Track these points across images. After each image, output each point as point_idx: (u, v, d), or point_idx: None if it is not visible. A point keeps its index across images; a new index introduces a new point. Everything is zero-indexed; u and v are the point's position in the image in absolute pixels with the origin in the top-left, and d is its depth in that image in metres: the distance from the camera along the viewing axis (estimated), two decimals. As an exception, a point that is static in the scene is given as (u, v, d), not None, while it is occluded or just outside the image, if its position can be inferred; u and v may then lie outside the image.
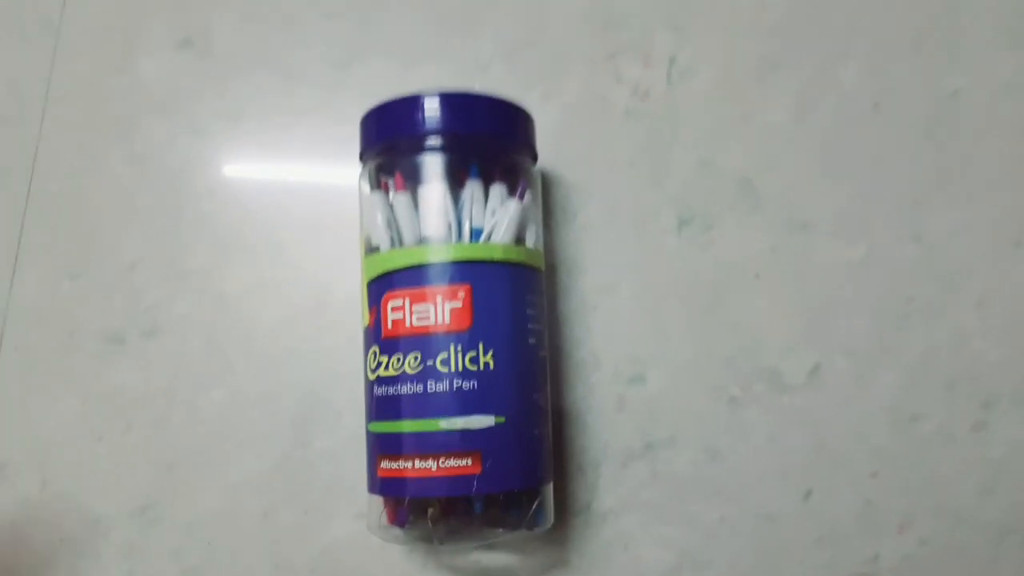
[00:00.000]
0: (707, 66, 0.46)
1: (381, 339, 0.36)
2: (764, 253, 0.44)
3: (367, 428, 0.37)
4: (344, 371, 0.44)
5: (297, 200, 0.47)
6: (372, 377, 0.37)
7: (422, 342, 0.35)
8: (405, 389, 0.35)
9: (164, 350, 0.46)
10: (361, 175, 0.40)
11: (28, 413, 0.46)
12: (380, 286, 0.36)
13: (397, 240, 0.37)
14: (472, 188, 0.37)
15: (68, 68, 0.50)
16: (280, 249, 0.47)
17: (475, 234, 0.37)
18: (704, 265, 0.44)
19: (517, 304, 0.36)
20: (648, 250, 0.44)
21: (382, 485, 0.36)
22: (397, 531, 0.37)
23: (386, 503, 0.37)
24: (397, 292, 0.36)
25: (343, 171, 0.47)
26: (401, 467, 0.35)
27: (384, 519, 0.37)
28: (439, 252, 0.36)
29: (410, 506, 0.36)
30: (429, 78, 0.47)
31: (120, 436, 0.45)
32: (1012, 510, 0.41)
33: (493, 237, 0.37)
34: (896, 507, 0.41)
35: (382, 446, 0.36)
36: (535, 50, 0.47)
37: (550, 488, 0.38)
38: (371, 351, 0.37)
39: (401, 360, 0.35)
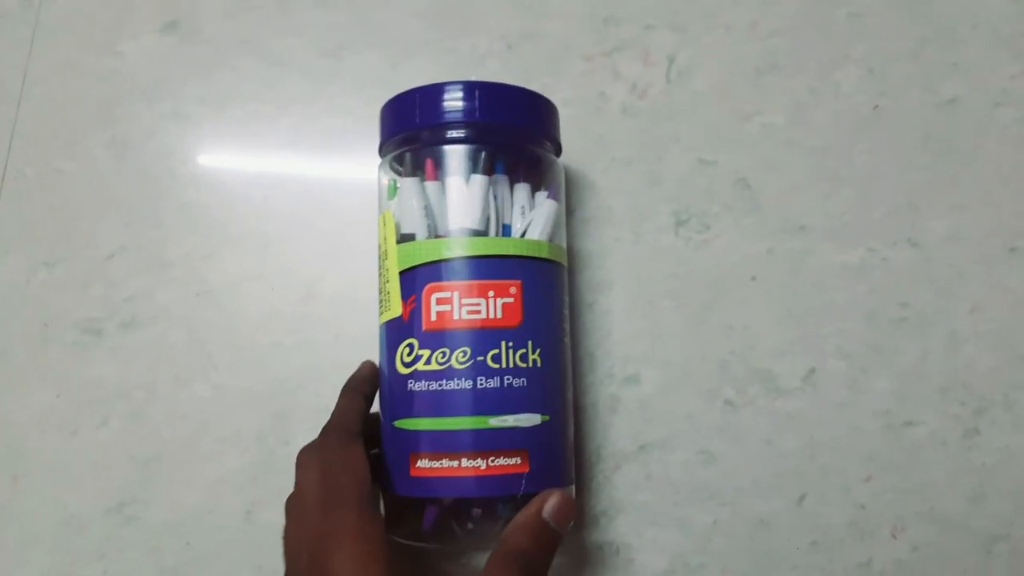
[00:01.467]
0: (706, 66, 0.46)
1: (423, 332, 0.34)
2: (761, 255, 0.43)
3: (391, 425, 0.35)
4: (330, 366, 0.43)
5: (284, 191, 0.46)
6: (406, 371, 0.34)
7: (472, 337, 0.34)
8: (452, 384, 0.34)
9: (143, 342, 0.45)
10: (380, 166, 0.39)
11: (0, 406, 0.44)
12: (421, 276, 0.35)
13: (433, 229, 0.36)
14: (501, 183, 0.36)
15: (47, 48, 0.48)
16: (265, 241, 0.46)
17: (505, 230, 0.36)
18: (700, 266, 0.43)
19: (558, 302, 0.36)
20: (644, 249, 0.44)
21: (418, 486, 0.34)
22: (425, 534, 0.35)
23: (408, 504, 0.35)
24: (445, 284, 0.34)
25: (332, 163, 0.46)
26: (445, 466, 0.33)
27: (413, 521, 0.35)
28: (491, 246, 0.35)
29: (450, 507, 0.35)
30: (423, 71, 0.47)
31: (96, 430, 0.44)
32: (1002, 517, 0.41)
33: (529, 234, 0.36)
34: (889, 512, 0.41)
35: (420, 444, 0.34)
36: (533, 44, 0.47)
37: (572, 489, 0.37)
38: (406, 344, 0.35)
39: (447, 355, 0.34)
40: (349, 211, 0.45)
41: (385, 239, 0.36)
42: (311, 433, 0.43)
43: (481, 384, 0.33)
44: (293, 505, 0.33)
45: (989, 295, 0.43)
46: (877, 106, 0.45)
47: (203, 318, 0.45)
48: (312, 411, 0.43)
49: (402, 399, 0.35)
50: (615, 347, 0.43)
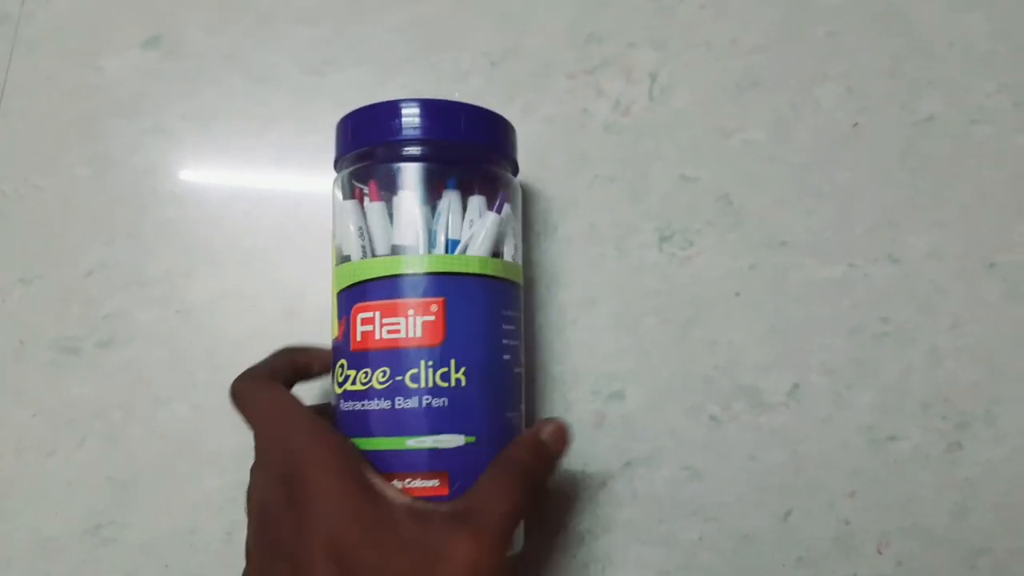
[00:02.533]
0: (688, 83, 0.46)
1: (350, 352, 0.34)
2: (744, 271, 0.44)
3: None
4: (311, 384, 0.43)
5: (266, 208, 0.46)
6: (338, 391, 0.34)
7: (391, 356, 0.33)
8: (373, 405, 0.33)
9: (121, 361, 0.44)
10: (335, 182, 0.38)
11: (-27, 426, 0.43)
12: (350, 297, 0.34)
13: (369, 250, 0.35)
14: (449, 199, 0.36)
15: (27, 63, 0.48)
16: (247, 258, 0.45)
17: (451, 246, 0.36)
18: (684, 281, 0.44)
19: (492, 319, 0.35)
20: (628, 265, 0.44)
21: None
22: None
23: None
24: (368, 304, 0.34)
25: (314, 179, 0.46)
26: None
27: None
28: (413, 263, 0.34)
29: None
30: (406, 88, 0.47)
31: (73, 451, 0.43)
32: (986, 530, 0.41)
33: (469, 249, 0.36)
34: (873, 527, 0.41)
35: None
36: (516, 61, 0.47)
37: None
38: (339, 364, 0.35)
39: (369, 375, 0.33)
40: (331, 226, 0.45)
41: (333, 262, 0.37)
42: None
43: (400, 404, 0.33)
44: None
45: (969, 310, 0.43)
46: (856, 123, 0.45)
47: (183, 336, 0.44)
48: (294, 429, 0.42)
49: (337, 419, 0.35)
50: (599, 364, 0.43)
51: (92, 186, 0.46)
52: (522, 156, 0.40)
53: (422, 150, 0.35)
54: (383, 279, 0.34)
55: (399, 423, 0.33)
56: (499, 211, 0.36)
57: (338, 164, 0.38)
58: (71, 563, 0.42)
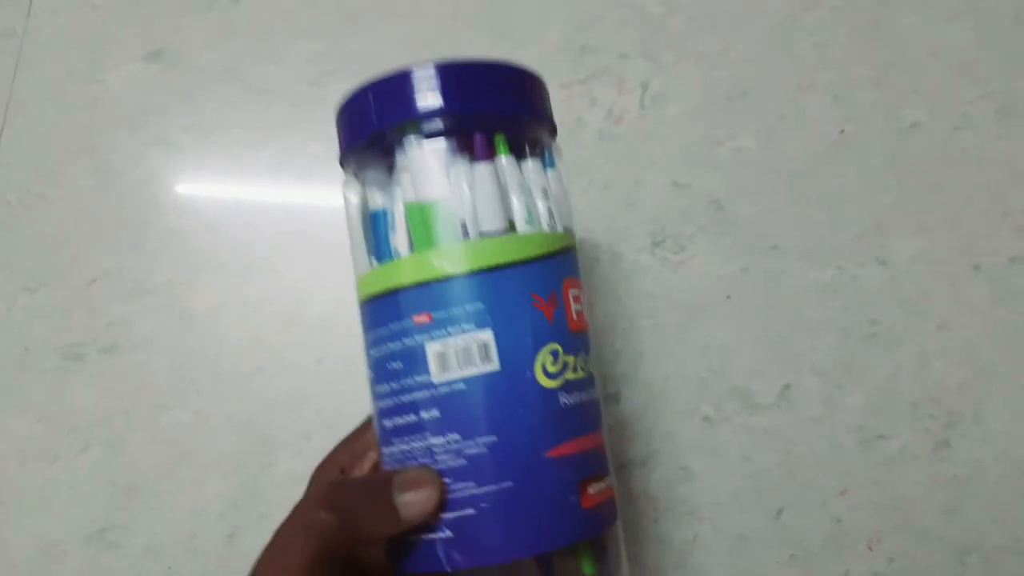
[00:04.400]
0: (679, 93, 0.47)
1: (568, 334, 0.28)
2: (735, 274, 0.44)
3: (542, 456, 0.27)
4: (313, 391, 0.43)
5: (267, 217, 0.47)
6: (553, 384, 0.28)
7: (587, 341, 0.29)
8: (593, 395, 0.29)
9: (124, 368, 0.45)
10: (352, 175, 0.32)
11: (-22, 432, 0.44)
12: (552, 269, 0.28)
13: (557, 216, 0.30)
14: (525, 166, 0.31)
15: (31, 77, 0.49)
16: (248, 266, 0.46)
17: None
18: (677, 285, 0.44)
19: None
20: (622, 270, 0.45)
21: (593, 519, 0.28)
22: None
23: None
24: (576, 280, 0.29)
25: (315, 189, 0.47)
26: (608, 486, 0.29)
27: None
28: (568, 238, 0.30)
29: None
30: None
31: (76, 456, 0.43)
32: (974, 527, 0.42)
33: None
34: (864, 525, 0.42)
35: (588, 468, 0.28)
36: (510, 72, 0.48)
37: None
38: (546, 349, 0.28)
39: (586, 361, 0.29)
40: (332, 237, 0.45)
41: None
42: (294, 458, 0.43)
43: (596, 395, 0.30)
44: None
45: (956, 312, 0.44)
46: (843, 131, 0.46)
47: (185, 344, 0.45)
48: (294, 436, 0.43)
49: (552, 419, 0.27)
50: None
51: (96, 197, 0.47)
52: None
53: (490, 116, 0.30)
54: (566, 251, 0.30)
55: (598, 418, 0.30)
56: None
57: (353, 151, 0.31)
58: (75, 567, 0.42)
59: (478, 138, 0.29)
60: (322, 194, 0.47)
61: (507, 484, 0.27)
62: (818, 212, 0.45)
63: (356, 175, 0.31)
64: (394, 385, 0.28)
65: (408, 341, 0.28)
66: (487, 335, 0.27)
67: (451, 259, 0.28)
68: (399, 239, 0.29)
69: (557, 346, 0.28)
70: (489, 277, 0.28)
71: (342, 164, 0.32)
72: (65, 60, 0.49)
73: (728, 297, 0.44)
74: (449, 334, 0.27)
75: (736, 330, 0.44)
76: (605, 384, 0.43)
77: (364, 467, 0.31)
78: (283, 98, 0.48)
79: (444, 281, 0.27)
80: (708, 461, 0.43)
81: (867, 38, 0.47)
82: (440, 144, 0.29)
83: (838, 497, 0.42)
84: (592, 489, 0.28)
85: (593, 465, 0.29)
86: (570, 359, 0.28)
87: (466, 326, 0.27)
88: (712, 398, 0.43)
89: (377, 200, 0.31)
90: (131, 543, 0.43)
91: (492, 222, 0.28)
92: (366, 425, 0.32)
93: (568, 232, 0.31)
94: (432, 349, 0.27)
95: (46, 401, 0.44)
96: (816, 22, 0.48)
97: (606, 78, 0.47)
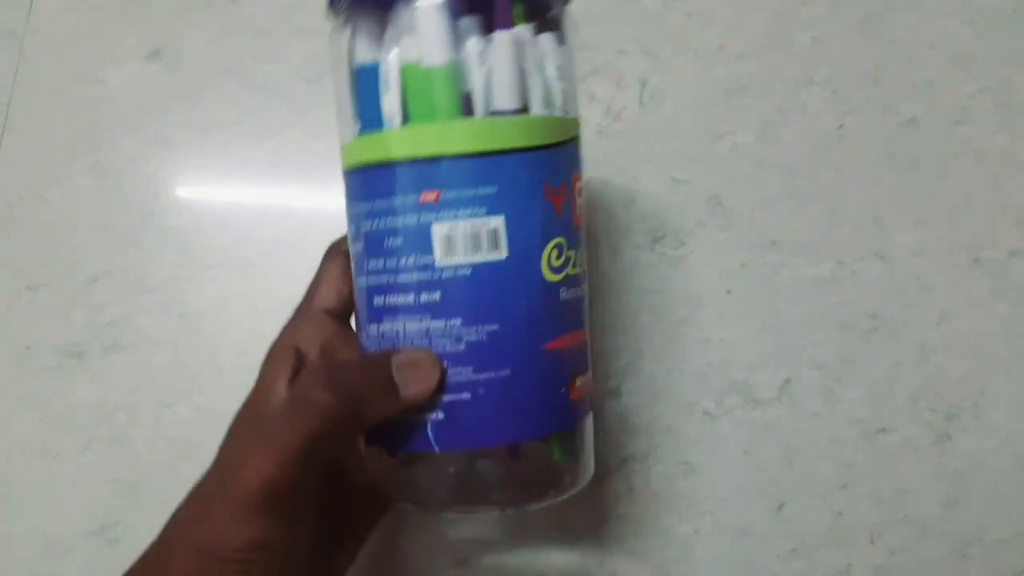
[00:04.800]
0: (677, 89, 0.47)
1: (572, 228, 0.28)
2: (735, 269, 0.45)
3: (541, 348, 0.27)
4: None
5: (267, 215, 0.47)
6: (556, 278, 0.27)
7: (583, 236, 0.29)
8: (584, 292, 0.29)
9: (126, 365, 0.45)
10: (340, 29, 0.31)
11: (-19, 430, 0.44)
12: (560, 159, 0.27)
13: (572, 97, 0.28)
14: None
15: (31, 76, 0.49)
16: (249, 264, 0.46)
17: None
18: (677, 281, 0.45)
19: None
20: (622, 265, 0.45)
21: (576, 410, 0.29)
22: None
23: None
24: (580, 173, 0.28)
25: (316, 186, 0.47)
26: (589, 379, 0.29)
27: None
28: (575, 126, 0.28)
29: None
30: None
31: (79, 454, 0.44)
32: (976, 520, 0.42)
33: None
34: (866, 518, 0.42)
35: (578, 361, 0.29)
36: (509, 69, 0.48)
37: None
38: (552, 243, 0.27)
39: (582, 257, 0.29)
40: (333, 233, 0.45)
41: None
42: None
43: (584, 291, 0.30)
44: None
45: (955, 306, 0.44)
46: (842, 126, 0.46)
47: (186, 341, 0.45)
48: (296, 431, 0.43)
49: (549, 313, 0.27)
50: (595, 362, 0.44)
51: (96, 195, 0.47)
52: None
53: None
54: (576, 140, 0.28)
55: (585, 314, 0.30)
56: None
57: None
58: (76, 564, 0.42)
59: (500, 1, 0.26)
60: (324, 190, 0.47)
61: (505, 372, 0.27)
62: (817, 207, 0.45)
63: (347, 24, 0.29)
64: (391, 262, 0.27)
65: (411, 219, 0.26)
66: (498, 222, 0.26)
67: (463, 136, 0.26)
68: (390, 100, 0.27)
69: (562, 240, 0.27)
70: (502, 160, 0.26)
71: (332, 7, 0.29)
72: (65, 60, 0.49)
73: (728, 292, 0.44)
74: (457, 217, 0.26)
75: (736, 325, 0.44)
76: (606, 379, 0.43)
77: (316, 348, 0.31)
78: (283, 96, 0.48)
79: (455, 159, 0.26)
80: (709, 455, 0.43)
81: (865, 33, 0.48)
82: (453, 1, 0.26)
83: (839, 490, 0.42)
84: (579, 382, 0.29)
85: (581, 360, 0.29)
86: (572, 254, 0.28)
87: (476, 210, 0.26)
88: (713, 393, 0.43)
89: (367, 55, 0.28)
90: (133, 540, 0.43)
91: (507, 100, 0.26)
92: (308, 305, 0.33)
93: (577, 119, 0.29)
94: (438, 230, 0.26)
95: (48, 399, 0.44)
96: (814, 17, 0.48)
97: (604, 75, 0.47)
